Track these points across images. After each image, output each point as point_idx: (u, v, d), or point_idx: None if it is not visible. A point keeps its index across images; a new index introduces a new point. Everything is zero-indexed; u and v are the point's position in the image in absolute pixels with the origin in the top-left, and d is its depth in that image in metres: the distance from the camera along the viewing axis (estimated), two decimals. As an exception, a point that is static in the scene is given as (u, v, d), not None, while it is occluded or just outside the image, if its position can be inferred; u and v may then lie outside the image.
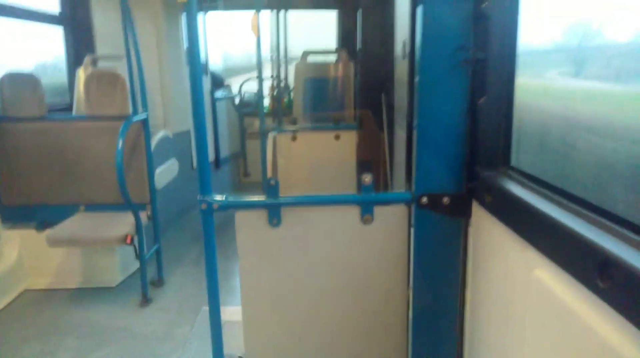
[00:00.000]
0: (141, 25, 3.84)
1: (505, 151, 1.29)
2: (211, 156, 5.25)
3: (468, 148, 1.37)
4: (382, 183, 2.85)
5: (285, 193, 1.53)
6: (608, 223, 0.86)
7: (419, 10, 1.31)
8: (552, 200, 1.03)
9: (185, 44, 4.23)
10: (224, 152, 5.51)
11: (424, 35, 1.30)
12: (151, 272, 3.32)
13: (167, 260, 3.53)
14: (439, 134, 1.37)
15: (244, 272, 1.58)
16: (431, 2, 1.28)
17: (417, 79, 1.36)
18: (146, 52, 3.96)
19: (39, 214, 3.34)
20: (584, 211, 0.93)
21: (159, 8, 4.16)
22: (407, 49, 1.56)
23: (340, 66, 3.94)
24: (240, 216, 1.52)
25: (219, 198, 1.47)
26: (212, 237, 1.51)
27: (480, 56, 1.26)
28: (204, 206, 1.46)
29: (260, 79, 3.55)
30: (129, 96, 3.08)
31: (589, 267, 0.80)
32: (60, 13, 4.04)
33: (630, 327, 0.70)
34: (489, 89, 1.27)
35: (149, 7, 4.16)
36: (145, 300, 3.06)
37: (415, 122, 1.40)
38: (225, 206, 1.48)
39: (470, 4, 1.26)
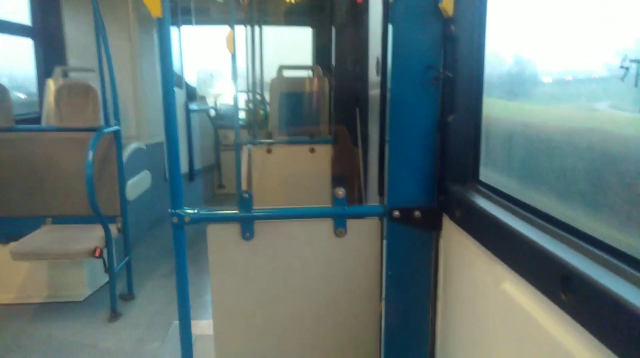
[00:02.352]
0: (114, 37, 3.80)
1: (474, 167, 1.33)
2: (185, 168, 5.20)
3: (439, 163, 1.40)
4: (356, 196, 2.88)
5: (260, 205, 1.53)
6: (571, 237, 0.89)
7: (390, 29, 1.35)
8: (518, 214, 1.07)
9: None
10: (199, 164, 5.47)
11: (394, 53, 1.34)
12: (121, 286, 3.25)
13: (138, 273, 3.46)
14: (410, 150, 1.40)
15: (215, 286, 1.56)
16: (401, 22, 1.32)
17: (388, 95, 1.39)
18: (120, 64, 3.92)
19: (4, 228, 3.23)
20: (548, 226, 0.96)
21: (133, 20, 4.14)
22: (379, 66, 1.60)
23: (315, 81, 3.98)
24: (212, 230, 1.51)
25: (190, 211, 1.46)
26: (183, 251, 1.50)
27: (449, 76, 1.30)
28: (175, 219, 1.45)
29: (235, 93, 3.55)
30: (101, 107, 3.03)
31: (552, 281, 0.83)
32: (31, 25, 3.97)
33: (592, 339, 0.72)
34: (457, 107, 1.31)
35: (123, 20, 4.13)
36: (114, 315, 2.98)
37: (387, 138, 1.43)
38: (197, 220, 1.47)
39: (439, 26, 1.31)
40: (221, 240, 1.53)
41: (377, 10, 2.07)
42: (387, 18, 1.45)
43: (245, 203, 1.48)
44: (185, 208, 1.48)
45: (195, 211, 1.48)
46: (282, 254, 1.56)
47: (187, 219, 1.46)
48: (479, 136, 1.31)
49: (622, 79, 0.72)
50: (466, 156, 1.33)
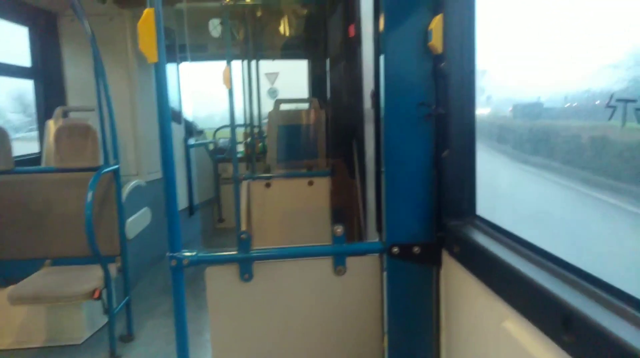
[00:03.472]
0: (114, 76, 3.87)
1: (470, 201, 1.33)
2: (185, 202, 5.19)
3: (436, 198, 1.40)
4: (356, 230, 2.86)
5: (259, 241, 1.52)
6: (572, 276, 0.88)
7: (381, 60, 1.37)
8: (516, 251, 1.05)
9: None
10: (198, 198, 5.46)
11: (386, 89, 1.35)
12: (120, 326, 3.19)
13: (138, 313, 3.40)
14: (407, 184, 1.40)
15: (215, 328, 1.54)
16: (392, 61, 1.34)
17: (383, 131, 1.40)
18: (119, 102, 3.97)
19: (2, 270, 3.20)
20: (548, 264, 0.95)
21: (131, 59, 4.22)
22: (372, 99, 1.62)
23: (312, 113, 4.03)
24: (210, 272, 1.50)
25: (188, 254, 1.45)
26: (182, 294, 1.48)
27: (441, 112, 1.31)
28: (173, 262, 1.44)
29: (232, 127, 3.59)
30: (100, 147, 3.05)
31: (554, 321, 0.82)
32: (31, 66, 4.04)
33: None
34: (451, 142, 1.32)
35: (122, 58, 4.21)
36: (114, 357, 2.92)
37: (383, 172, 1.43)
38: (195, 262, 1.46)
39: (430, 62, 1.33)
40: (220, 281, 1.51)
41: (370, 42, 2.10)
42: (378, 53, 1.48)
43: (243, 243, 1.47)
44: (183, 251, 1.47)
45: (194, 253, 1.47)
46: (282, 294, 1.54)
47: (185, 262, 1.45)
48: (474, 171, 1.32)
49: (610, 118, 0.73)
50: (462, 191, 1.33)
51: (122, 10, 4.13)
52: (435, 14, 1.30)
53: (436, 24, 1.29)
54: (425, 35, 1.32)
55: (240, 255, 1.47)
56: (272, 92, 5.13)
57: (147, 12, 1.35)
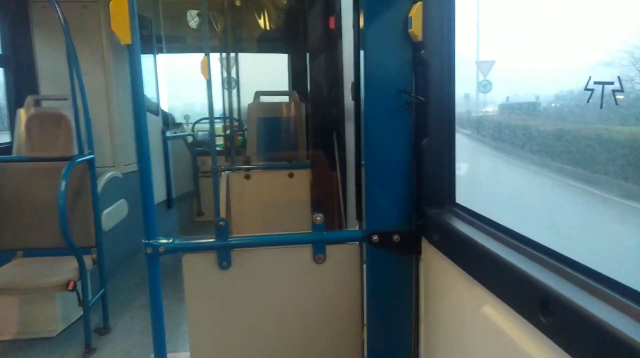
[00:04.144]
0: (88, 65, 3.77)
1: (449, 189, 1.34)
2: (163, 195, 5.12)
3: (415, 187, 1.41)
4: (336, 221, 2.86)
5: (239, 232, 1.51)
6: (548, 259, 0.89)
7: (362, 56, 1.37)
8: (495, 237, 1.07)
9: None
10: (177, 191, 5.39)
11: (366, 78, 1.35)
12: (96, 319, 3.13)
13: (115, 305, 3.34)
14: (386, 174, 1.40)
15: (192, 317, 1.52)
16: (372, 47, 1.34)
17: (362, 120, 1.40)
18: (94, 92, 3.88)
19: None
20: (526, 248, 0.96)
21: (106, 48, 4.12)
22: (353, 91, 1.62)
23: (292, 106, 4.00)
24: (187, 260, 1.47)
25: (164, 241, 1.43)
26: (158, 282, 1.45)
27: (420, 99, 1.32)
28: (149, 250, 1.41)
29: (211, 119, 3.54)
30: (74, 136, 2.98)
31: (531, 303, 0.82)
32: (1, 54, 3.91)
33: None
34: (430, 130, 1.32)
35: (96, 48, 4.11)
36: (89, 350, 2.86)
37: (363, 162, 1.43)
38: (172, 250, 1.43)
39: (409, 51, 1.33)
40: (197, 270, 1.49)
41: (350, 35, 2.10)
42: (358, 43, 1.47)
43: (221, 231, 1.45)
44: (159, 238, 1.44)
45: (170, 241, 1.44)
46: (261, 282, 1.52)
47: (161, 249, 1.43)
48: (453, 159, 1.32)
49: (588, 101, 0.74)
50: (442, 179, 1.34)
51: None
52: (415, 1, 1.30)
53: (416, 11, 1.29)
54: (406, 22, 1.32)
55: (219, 242, 1.45)
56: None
57: None
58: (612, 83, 0.69)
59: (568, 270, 0.84)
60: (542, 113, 1.38)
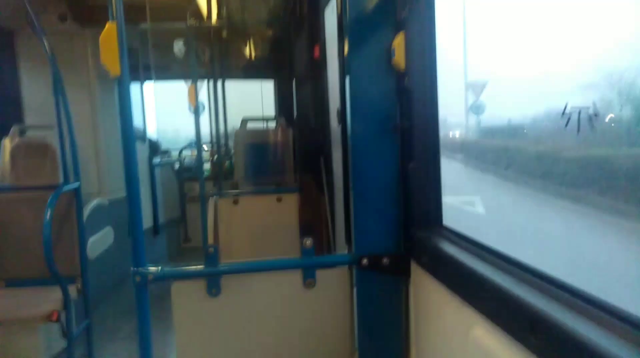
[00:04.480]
0: (74, 93, 3.77)
1: (436, 212, 1.36)
2: (150, 222, 5.07)
3: (403, 210, 1.43)
4: (325, 245, 2.86)
5: (228, 258, 1.50)
6: (536, 280, 0.91)
7: (347, 84, 1.40)
8: (483, 258, 1.08)
9: None
10: (163, 218, 5.34)
11: (352, 105, 1.39)
12: (81, 351, 3.05)
13: (100, 336, 3.26)
14: (374, 197, 1.42)
15: (181, 346, 1.50)
16: (357, 77, 1.38)
17: (349, 144, 1.43)
18: (80, 122, 3.87)
19: None
20: (514, 269, 0.98)
21: (93, 78, 4.14)
22: (339, 117, 1.65)
23: (279, 131, 4.04)
24: (176, 287, 1.46)
25: (153, 269, 1.42)
26: (147, 312, 1.44)
27: (405, 125, 1.35)
28: (137, 278, 1.40)
29: (199, 145, 3.55)
30: (60, 165, 2.96)
31: (521, 324, 0.83)
32: None
33: None
34: (416, 154, 1.36)
35: (83, 78, 4.13)
36: (72, 384, 2.78)
37: (351, 186, 1.45)
38: (160, 277, 1.42)
39: (393, 79, 1.37)
40: (186, 297, 1.48)
41: (335, 63, 2.15)
42: (343, 71, 1.51)
43: (210, 257, 1.45)
44: (148, 265, 1.43)
45: (159, 268, 1.44)
46: (251, 309, 1.52)
47: (150, 277, 1.41)
48: (439, 182, 1.35)
49: (566, 126, 0.77)
50: (428, 202, 1.36)
51: (83, 29, 4.06)
52: (397, 31, 1.35)
53: (399, 41, 1.34)
54: (389, 52, 1.36)
55: (208, 269, 1.45)
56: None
57: (110, 26, 1.34)
58: (588, 108, 0.73)
59: (556, 290, 0.85)
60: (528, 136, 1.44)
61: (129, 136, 1.43)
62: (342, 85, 1.52)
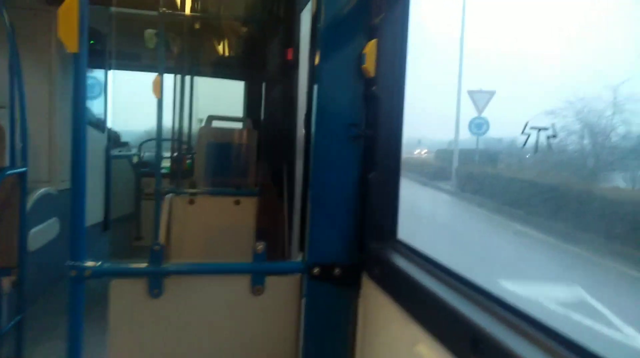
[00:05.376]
0: (32, 75, 3.59)
1: (392, 224, 1.34)
2: (101, 216, 4.86)
3: (359, 220, 1.40)
4: (279, 251, 2.80)
5: (178, 259, 1.43)
6: (481, 298, 0.90)
7: (315, 88, 1.37)
8: (433, 274, 1.06)
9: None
10: (117, 213, 5.14)
11: (318, 110, 1.35)
12: (10, 348, 2.85)
13: (33, 333, 3.07)
14: (331, 205, 1.39)
15: (113, 349, 1.40)
16: (326, 82, 1.35)
17: (311, 150, 1.39)
18: (36, 104, 3.68)
19: None
20: (461, 287, 0.97)
21: (54, 60, 3.96)
22: (302, 123, 1.62)
23: (244, 133, 3.97)
24: (115, 285, 1.37)
25: (91, 264, 1.32)
26: (81, 311, 1.34)
27: (369, 133, 1.33)
28: (73, 272, 1.30)
29: (159, 140, 3.44)
30: (7, 147, 2.79)
31: (463, 343, 0.82)
32: None
33: None
34: (377, 164, 1.33)
35: (44, 58, 3.93)
36: (-3, 383, 2.60)
37: (309, 193, 1.41)
38: (99, 273, 1.33)
39: (362, 86, 1.35)
40: (125, 296, 1.39)
41: (306, 67, 2.12)
42: (313, 75, 1.48)
43: (155, 255, 1.37)
44: (86, 260, 1.34)
45: (98, 263, 1.34)
46: (193, 313, 1.44)
47: (87, 273, 1.32)
48: (397, 194, 1.33)
49: (524, 145, 0.76)
50: (385, 213, 1.34)
51: (49, 6, 3.88)
52: (370, 38, 1.33)
53: (370, 48, 1.32)
54: (359, 58, 1.34)
55: (151, 268, 1.37)
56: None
57: None
58: (546, 129, 0.72)
59: (498, 309, 0.85)
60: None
61: (81, 117, 1.34)
62: (310, 89, 1.49)
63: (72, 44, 1.26)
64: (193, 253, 3.20)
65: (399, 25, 1.29)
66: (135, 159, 5.89)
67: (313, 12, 1.70)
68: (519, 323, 0.79)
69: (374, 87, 1.33)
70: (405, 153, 1.31)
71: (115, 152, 5.11)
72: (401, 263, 1.17)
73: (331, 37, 1.36)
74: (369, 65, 1.31)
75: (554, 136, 0.69)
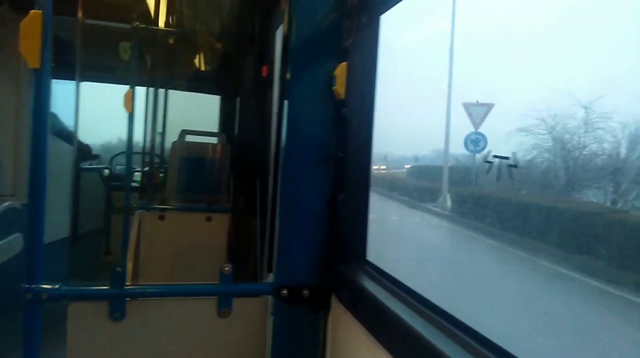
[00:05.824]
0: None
1: (360, 246, 1.33)
2: (67, 231, 4.71)
3: (329, 241, 1.38)
4: (251, 271, 2.76)
5: (146, 277, 1.38)
6: (451, 327, 0.89)
7: (285, 107, 1.36)
8: (400, 298, 1.06)
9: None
10: (86, 227, 4.99)
11: (288, 129, 1.34)
12: None
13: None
14: (300, 226, 1.37)
15: None
16: (296, 102, 1.34)
17: (281, 170, 1.38)
18: (2, 115, 3.58)
19: None
20: (431, 314, 0.96)
21: (23, 70, 3.86)
22: (274, 140, 1.60)
23: (218, 148, 3.92)
24: (74, 309, 1.32)
25: (48, 286, 1.27)
26: (36, 336, 1.27)
27: (339, 155, 1.32)
28: (28, 296, 1.24)
29: (129, 153, 3.37)
30: None
31: None
32: None
33: None
34: (347, 186, 1.33)
35: (12, 69, 3.83)
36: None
37: (277, 213, 1.39)
38: (57, 297, 1.27)
39: (332, 107, 1.35)
40: (84, 320, 1.33)
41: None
42: (283, 94, 1.47)
43: (116, 277, 1.32)
44: (44, 282, 1.28)
45: (56, 286, 1.29)
46: (157, 336, 1.39)
47: (44, 296, 1.26)
48: (366, 215, 1.33)
49: (487, 172, 0.76)
50: (354, 235, 1.33)
51: (19, 17, 3.79)
52: (340, 61, 1.34)
53: (341, 70, 1.32)
54: (330, 80, 1.34)
55: (112, 290, 1.32)
56: None
57: (34, 14, 1.23)
58: (507, 158, 0.73)
59: (469, 340, 0.84)
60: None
61: (41, 134, 1.30)
62: (280, 108, 1.48)
63: (33, 59, 1.22)
64: (162, 271, 3.12)
65: (369, 49, 1.30)
66: (106, 173, 5.75)
67: (285, 32, 1.70)
68: (486, 354, 0.78)
69: (344, 109, 1.33)
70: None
71: (85, 165, 4.98)
72: (369, 285, 1.15)
73: (302, 57, 1.36)
74: (339, 87, 1.32)
75: (515, 166, 0.70)
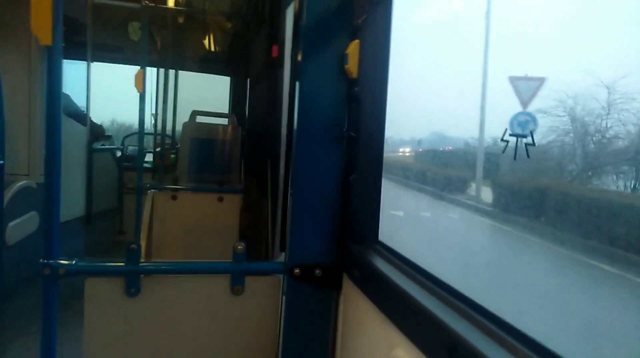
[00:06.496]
0: (10, 64, 3.51)
1: (373, 226, 1.34)
2: (82, 210, 4.78)
3: (340, 221, 1.39)
4: (263, 250, 2.79)
5: (159, 256, 1.41)
6: (460, 304, 0.90)
7: (297, 87, 1.36)
8: (412, 277, 1.06)
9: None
10: (100, 207, 5.06)
11: (300, 109, 1.34)
12: None
13: (8, 329, 3.01)
14: (313, 206, 1.38)
15: (88, 348, 1.38)
16: (308, 80, 1.33)
17: (293, 150, 1.38)
18: (15, 94, 3.60)
19: None
20: (440, 291, 0.97)
21: (35, 48, 3.87)
22: (286, 121, 1.60)
23: (229, 129, 3.93)
24: (91, 284, 1.35)
25: (66, 262, 1.30)
26: (54, 310, 1.31)
27: (352, 135, 1.32)
28: (47, 271, 1.27)
29: (141, 134, 3.39)
30: None
31: (440, 349, 0.82)
32: None
33: None
34: (359, 166, 1.32)
35: (23, 47, 3.84)
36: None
37: (290, 193, 1.40)
38: (74, 272, 1.31)
39: (344, 86, 1.33)
40: (101, 296, 1.36)
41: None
42: (295, 74, 1.46)
43: (132, 254, 1.35)
44: (61, 258, 1.31)
45: (73, 262, 1.31)
46: (171, 312, 1.42)
47: (61, 271, 1.29)
48: (379, 195, 1.33)
49: (503, 151, 0.76)
50: (366, 215, 1.33)
51: None
52: (352, 39, 1.32)
53: (353, 48, 1.30)
54: (342, 58, 1.33)
55: (128, 266, 1.35)
56: None
57: None
58: (525, 136, 0.72)
59: (477, 316, 0.85)
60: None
61: (56, 113, 1.31)
62: (292, 89, 1.47)
63: (45, 36, 1.23)
64: (174, 250, 3.17)
65: (381, 27, 1.28)
66: (118, 153, 5.80)
67: (295, 10, 1.68)
68: (497, 331, 0.79)
69: (356, 89, 1.32)
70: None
71: (98, 145, 5.02)
72: (381, 265, 1.16)
73: (313, 36, 1.34)
74: (352, 66, 1.30)
75: (533, 144, 0.70)
